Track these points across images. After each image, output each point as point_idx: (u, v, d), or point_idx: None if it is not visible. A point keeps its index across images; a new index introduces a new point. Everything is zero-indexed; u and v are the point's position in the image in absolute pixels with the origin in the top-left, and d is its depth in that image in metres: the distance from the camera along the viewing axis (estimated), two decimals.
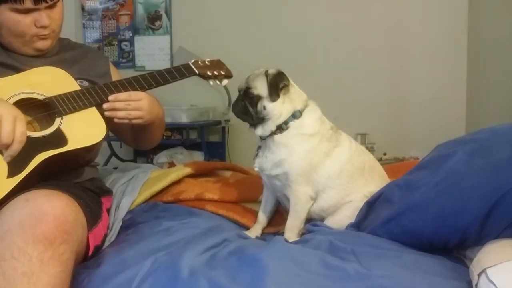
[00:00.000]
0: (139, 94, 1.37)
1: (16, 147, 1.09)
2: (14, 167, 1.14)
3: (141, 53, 3.85)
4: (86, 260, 1.23)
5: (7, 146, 1.09)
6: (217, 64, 1.59)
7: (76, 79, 1.39)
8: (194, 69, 1.52)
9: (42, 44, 1.38)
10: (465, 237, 1.11)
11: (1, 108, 1.09)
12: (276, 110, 1.39)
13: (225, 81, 1.58)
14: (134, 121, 1.35)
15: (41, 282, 0.96)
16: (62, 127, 1.24)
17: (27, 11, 1.30)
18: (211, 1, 3.62)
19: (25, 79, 1.31)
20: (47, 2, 1.31)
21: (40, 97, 1.28)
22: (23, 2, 1.27)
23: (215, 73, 1.55)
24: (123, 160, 3.54)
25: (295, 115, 1.41)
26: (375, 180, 1.47)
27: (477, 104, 3.10)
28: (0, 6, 1.29)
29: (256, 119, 1.41)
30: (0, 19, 1.31)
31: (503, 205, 1.04)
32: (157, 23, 3.79)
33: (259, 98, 1.39)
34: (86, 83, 1.42)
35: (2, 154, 1.14)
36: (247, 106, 1.41)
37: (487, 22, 2.99)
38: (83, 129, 1.28)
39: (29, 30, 1.33)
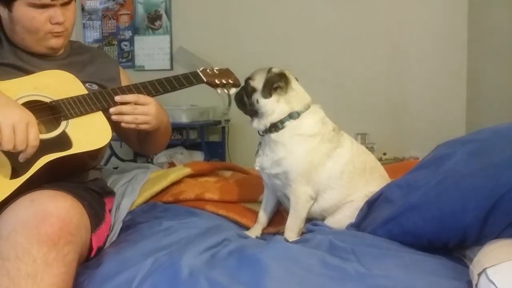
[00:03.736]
0: (147, 98, 1.36)
1: (30, 151, 1.11)
2: (18, 168, 1.14)
3: (141, 53, 3.85)
4: (87, 260, 1.23)
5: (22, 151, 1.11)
6: (225, 72, 1.59)
7: (85, 82, 1.39)
8: (202, 77, 1.52)
9: (55, 42, 1.37)
10: (465, 237, 1.11)
11: (14, 115, 1.09)
12: (268, 106, 1.40)
13: (233, 90, 1.57)
14: (141, 126, 1.34)
15: (45, 283, 0.96)
16: (68, 131, 1.24)
17: (43, 7, 1.30)
18: (211, 1, 3.62)
19: (32, 81, 1.30)
20: None
21: (47, 100, 1.27)
22: None
23: (223, 81, 1.56)
24: (123, 160, 3.54)
25: (292, 115, 1.41)
26: (376, 180, 1.47)
27: (477, 104, 3.10)
28: (16, 1, 1.29)
29: (250, 111, 1.44)
30: (16, 15, 1.31)
31: (503, 205, 1.04)
32: (157, 23, 3.79)
33: (253, 90, 1.42)
34: (95, 87, 1.41)
35: (7, 155, 1.14)
36: (243, 96, 1.45)
37: (487, 21, 2.99)
38: (88, 133, 1.27)
39: (44, 27, 1.32)
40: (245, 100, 1.44)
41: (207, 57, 3.30)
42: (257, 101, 1.41)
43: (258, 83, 1.42)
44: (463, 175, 1.13)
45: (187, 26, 3.69)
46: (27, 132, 1.09)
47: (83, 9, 3.94)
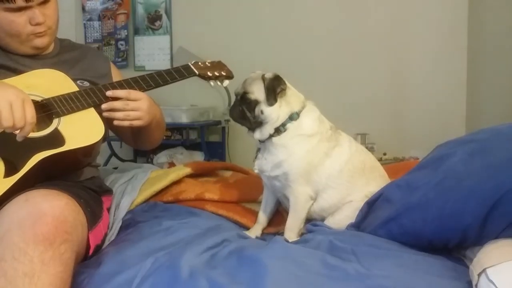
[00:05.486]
0: (138, 93, 1.36)
1: (28, 129, 1.11)
2: (11, 167, 1.14)
3: (141, 53, 3.85)
4: (86, 259, 1.23)
5: (20, 129, 1.10)
6: (217, 65, 1.59)
7: (76, 79, 1.39)
8: (194, 69, 1.51)
9: (40, 42, 1.37)
10: (465, 237, 1.11)
11: (9, 94, 1.09)
12: (274, 113, 1.39)
13: (226, 82, 1.57)
14: (134, 123, 1.34)
15: (43, 283, 0.96)
16: (60, 128, 1.24)
17: (20, 9, 1.29)
18: (211, 1, 3.62)
19: (23, 81, 1.30)
20: None
21: (38, 99, 1.27)
22: (15, 1, 1.27)
23: (216, 74, 1.55)
24: (123, 160, 3.54)
25: (293, 117, 1.41)
26: (376, 180, 1.47)
27: (477, 104, 3.10)
28: None
29: (254, 124, 1.41)
30: None
31: (503, 205, 1.04)
32: (157, 23, 3.79)
33: (256, 103, 1.39)
34: (86, 84, 1.41)
35: (0, 154, 1.14)
36: (244, 111, 1.41)
37: (487, 22, 2.99)
38: (81, 129, 1.27)
39: (24, 29, 1.32)
40: (247, 115, 1.41)
41: (207, 57, 3.28)
42: (262, 112, 1.39)
43: (258, 94, 1.39)
44: (463, 175, 1.13)
45: (187, 26, 3.69)
46: (24, 109, 1.09)
47: (83, 9, 3.95)
